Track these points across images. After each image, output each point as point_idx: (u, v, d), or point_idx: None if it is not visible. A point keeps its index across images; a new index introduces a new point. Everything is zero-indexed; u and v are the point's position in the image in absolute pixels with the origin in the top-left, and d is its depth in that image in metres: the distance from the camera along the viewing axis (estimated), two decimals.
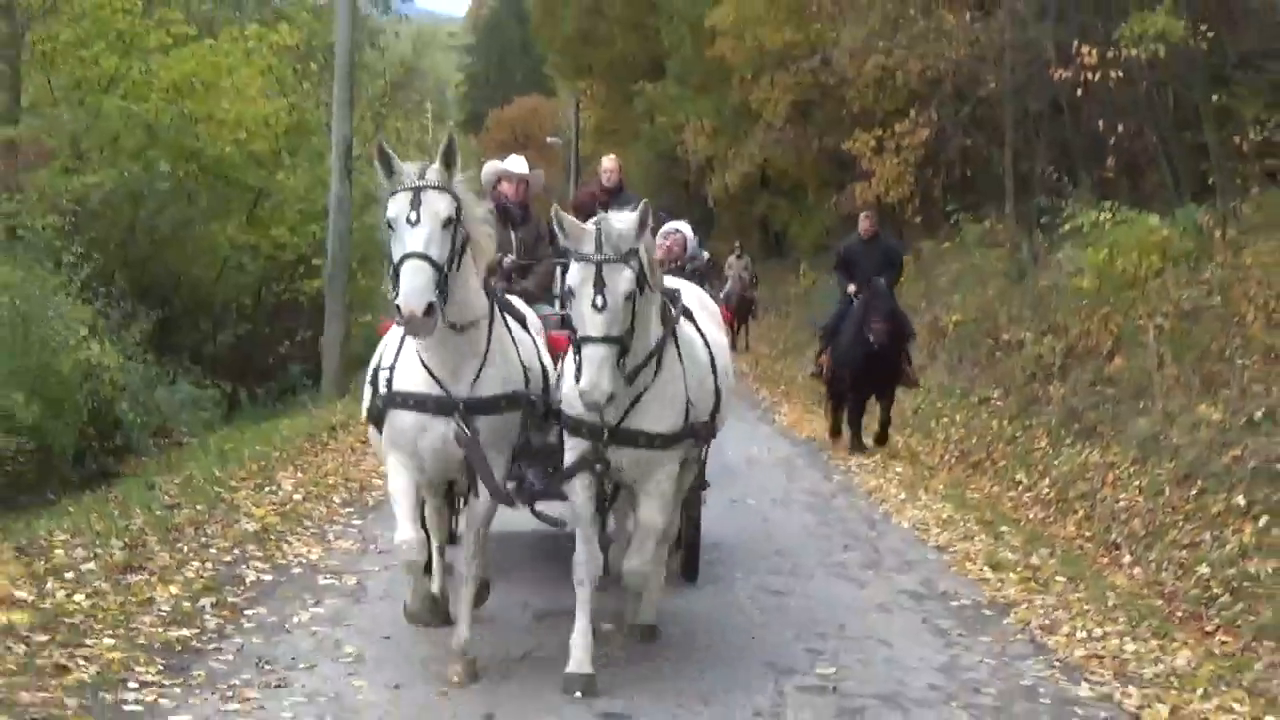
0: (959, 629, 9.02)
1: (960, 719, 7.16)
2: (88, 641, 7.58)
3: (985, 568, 10.80)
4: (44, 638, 7.58)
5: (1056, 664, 8.23)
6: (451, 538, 9.46)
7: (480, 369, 7.31)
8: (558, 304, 9.69)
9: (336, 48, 20.64)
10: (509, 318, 7.86)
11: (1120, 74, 15.87)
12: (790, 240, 38.13)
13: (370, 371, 7.80)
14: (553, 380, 7.93)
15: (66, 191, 17.93)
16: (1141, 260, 15.57)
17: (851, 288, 17.17)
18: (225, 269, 22.55)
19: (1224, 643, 8.76)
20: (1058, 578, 10.43)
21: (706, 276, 11.87)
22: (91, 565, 9.28)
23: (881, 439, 17.51)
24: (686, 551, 9.74)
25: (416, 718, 6.89)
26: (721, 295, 19.96)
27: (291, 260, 24.18)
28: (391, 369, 7.44)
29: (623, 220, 7.09)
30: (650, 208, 7.18)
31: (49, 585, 8.67)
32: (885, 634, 8.83)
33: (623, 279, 6.89)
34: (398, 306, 6.73)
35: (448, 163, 7.08)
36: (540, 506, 8.09)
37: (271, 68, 22.11)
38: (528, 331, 8.11)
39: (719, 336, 8.46)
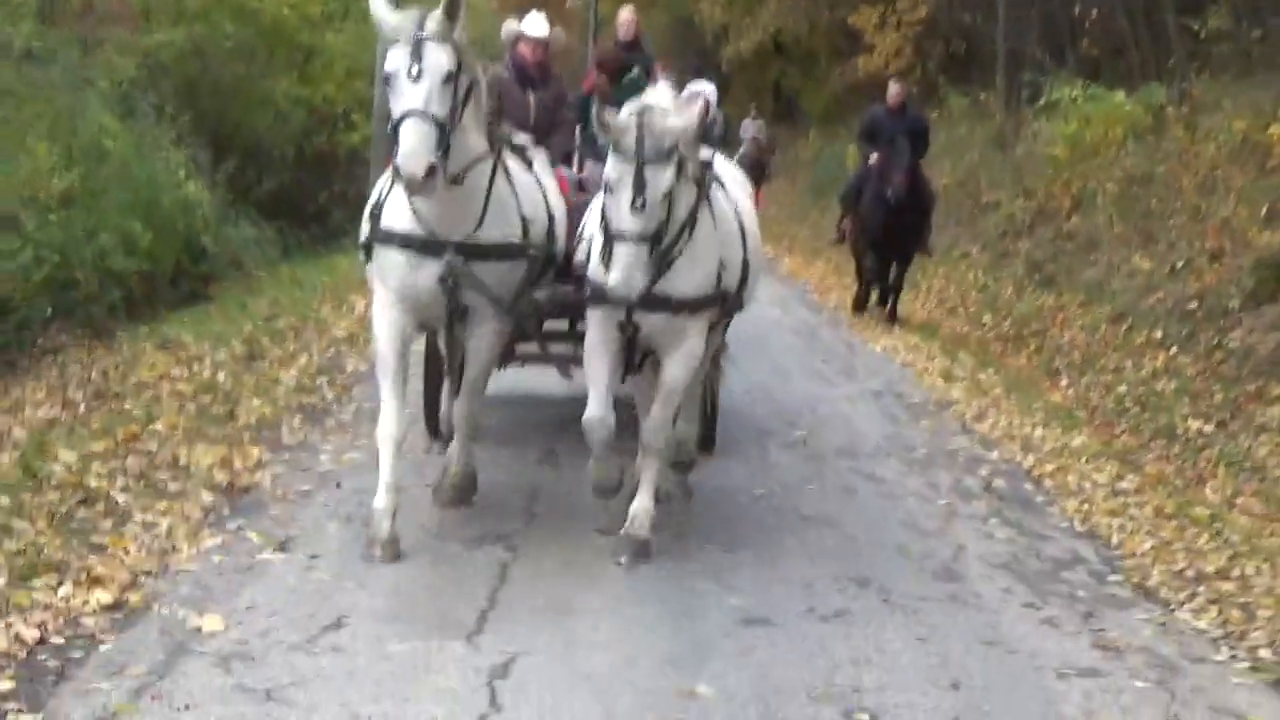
0: (906, 415, 11.67)
1: (895, 464, 9.80)
2: (240, 403, 10.20)
3: (939, 379, 13.35)
4: (207, 398, 10.22)
5: (978, 440, 10.83)
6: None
7: (481, 219, 7.29)
8: (575, 168, 9.80)
9: None
10: (512, 164, 7.78)
11: None
12: (802, 106, 39.79)
13: (370, 204, 7.72)
14: (559, 226, 8.01)
15: (141, 49, 20.08)
16: (1106, 133, 17.99)
17: (874, 156, 17.00)
18: (275, 121, 24.74)
19: (1125, 442, 11.19)
20: (997, 390, 12.95)
21: (723, 140, 12.26)
22: (221, 356, 11.87)
23: (892, 312, 17.42)
24: (704, 424, 9.51)
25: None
26: (735, 159, 21.45)
27: (333, 114, 26.37)
28: (380, 204, 7.44)
29: (668, 117, 6.98)
30: (702, 114, 7.14)
31: (194, 368, 11.30)
32: (847, 415, 11.47)
33: (663, 178, 6.82)
34: (396, 166, 6.66)
35: (450, 13, 6.84)
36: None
37: None
38: (534, 176, 8.06)
39: (749, 209, 8.38)
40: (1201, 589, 7.35)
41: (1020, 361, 14.90)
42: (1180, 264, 13.82)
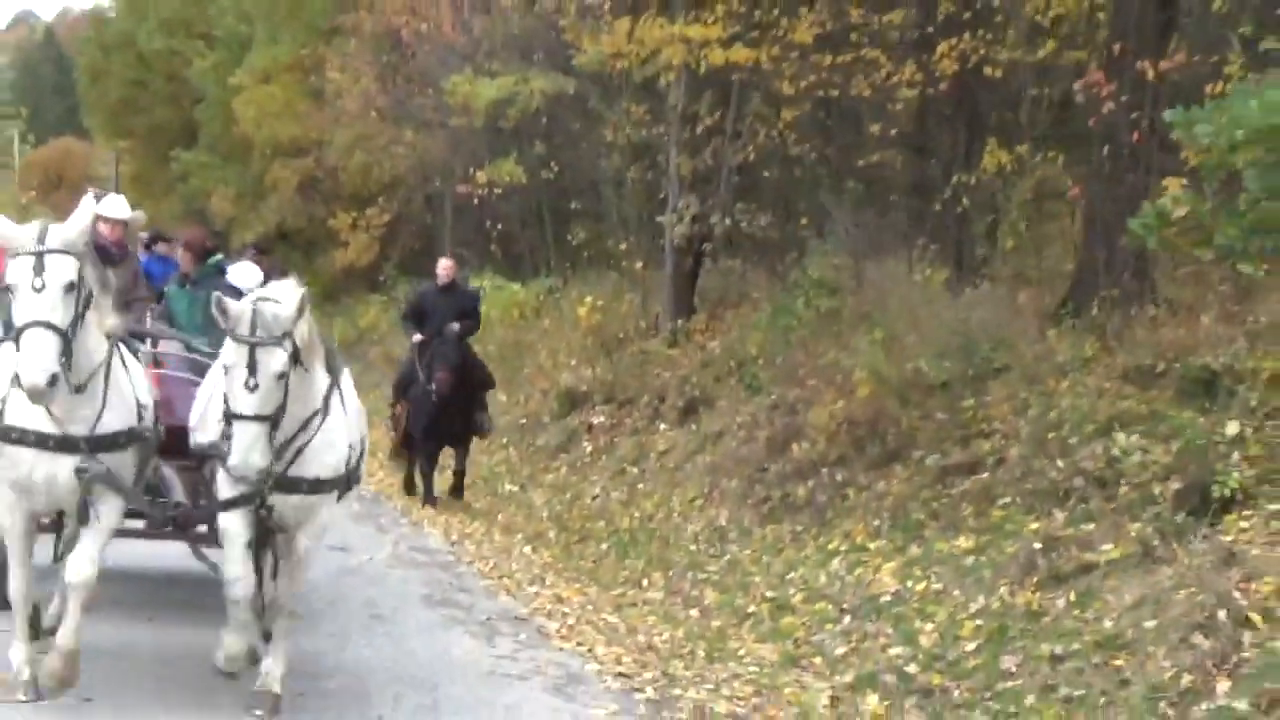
0: None
1: None
2: None
3: None
4: None
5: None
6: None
7: (100, 413, 7.68)
8: (150, 343, 10.21)
9: None
10: (124, 352, 8.18)
11: (500, 190, 26.69)
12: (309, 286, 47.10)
13: None
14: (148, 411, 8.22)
15: None
16: (513, 312, 26.62)
17: (418, 336, 17.54)
18: None
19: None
20: None
21: None
22: None
23: (457, 491, 18.16)
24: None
25: None
26: None
27: None
28: (4, 400, 7.62)
29: (279, 305, 7.54)
30: (308, 295, 7.74)
31: None
32: None
33: (275, 360, 7.39)
34: (16, 375, 7.08)
35: (76, 225, 7.37)
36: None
37: None
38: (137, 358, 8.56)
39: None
40: None
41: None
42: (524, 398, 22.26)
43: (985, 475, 12.05)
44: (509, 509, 18.37)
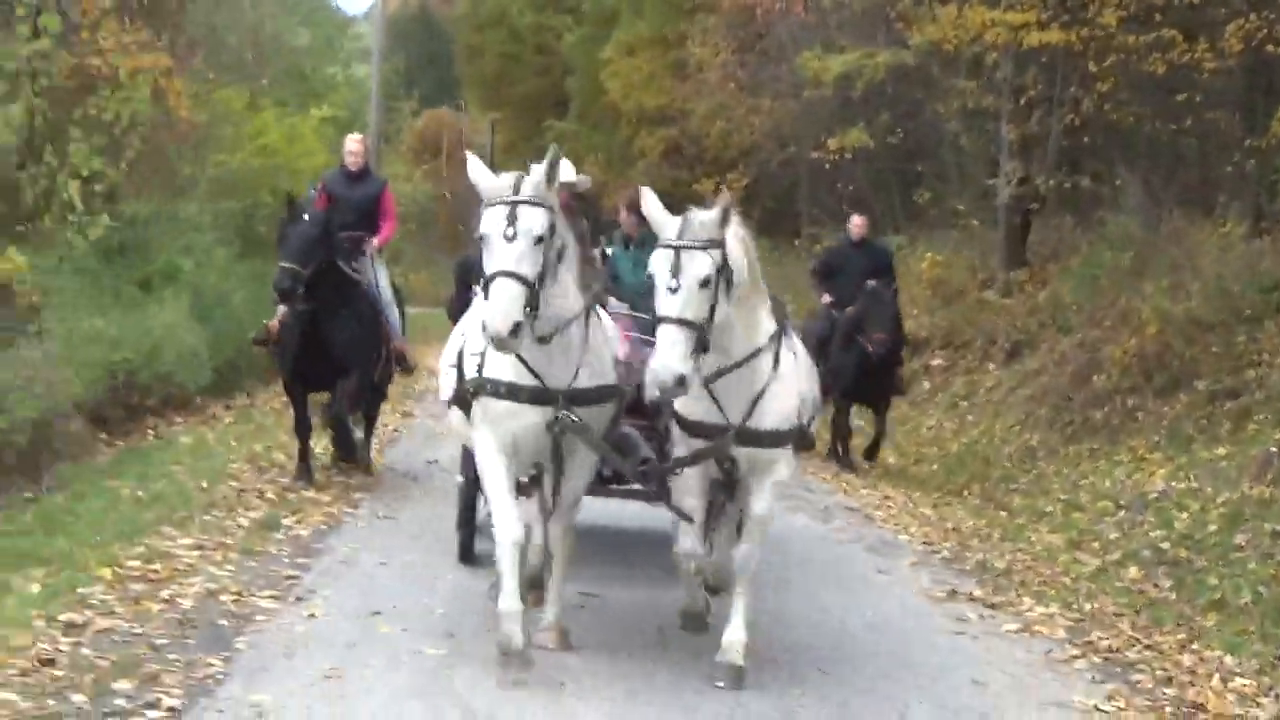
0: None
1: None
2: None
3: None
4: None
5: None
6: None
7: (578, 368, 7.93)
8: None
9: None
10: (600, 310, 8.48)
11: (849, 155, 29.66)
12: None
13: (452, 353, 8.49)
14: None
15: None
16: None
17: (827, 298, 17.57)
18: None
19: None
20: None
21: None
22: None
23: (872, 452, 17.85)
24: None
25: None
26: None
27: None
28: (483, 354, 7.89)
29: (706, 212, 7.61)
30: (731, 205, 7.66)
31: None
32: None
33: (699, 264, 7.38)
34: (484, 323, 7.29)
35: (550, 176, 7.51)
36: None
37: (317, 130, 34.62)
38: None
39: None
40: None
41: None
42: None
43: (1246, 398, 14.75)
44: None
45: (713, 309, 7.46)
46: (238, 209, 27.17)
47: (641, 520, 11.78)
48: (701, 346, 7.42)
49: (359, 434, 14.32)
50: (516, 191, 7.45)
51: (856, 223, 17.97)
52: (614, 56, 41.68)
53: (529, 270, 7.32)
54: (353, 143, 14.56)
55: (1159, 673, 9.35)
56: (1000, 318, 22.64)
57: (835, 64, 27.32)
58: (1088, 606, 11.07)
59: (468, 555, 10.71)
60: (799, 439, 8.39)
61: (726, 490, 8.45)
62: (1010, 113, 22.97)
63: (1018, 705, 8.46)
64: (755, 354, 7.99)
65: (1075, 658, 9.62)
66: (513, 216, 7.37)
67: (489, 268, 7.35)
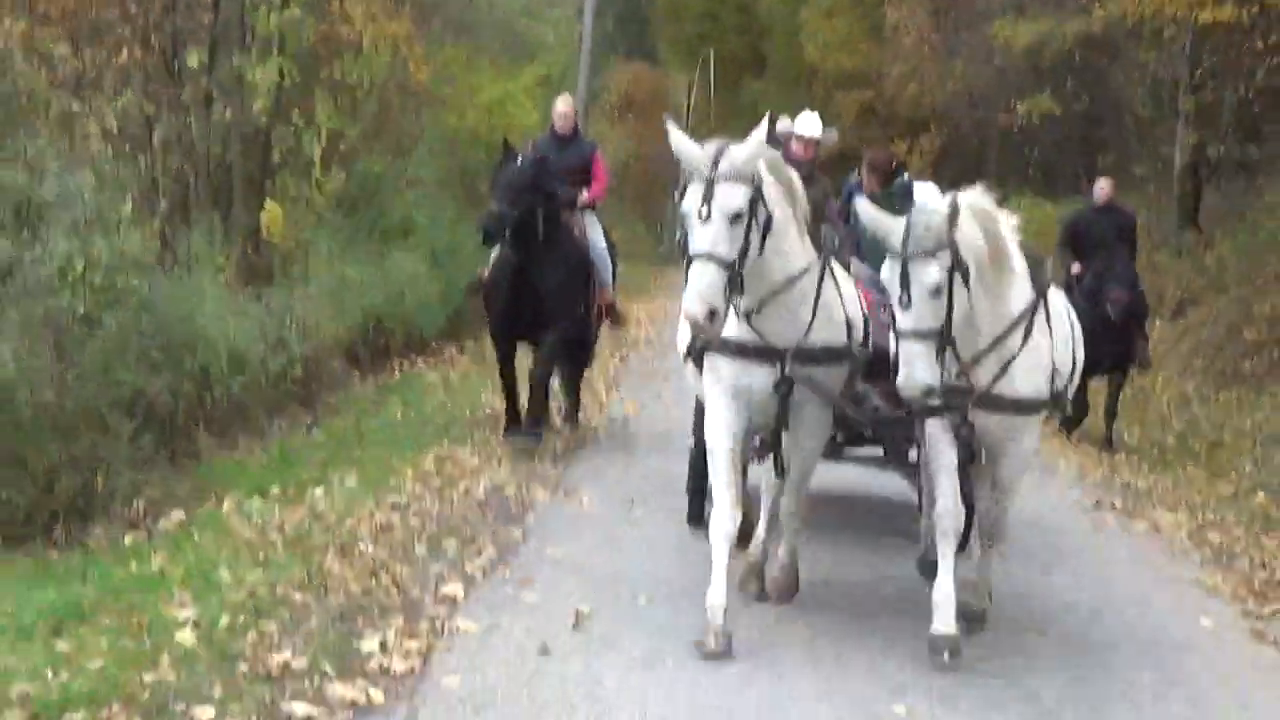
0: None
1: None
2: None
3: None
4: None
5: None
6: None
7: (809, 325, 7.85)
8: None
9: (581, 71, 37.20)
10: (837, 268, 8.35)
11: (1037, 120, 31.21)
12: None
13: None
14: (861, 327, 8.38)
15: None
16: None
17: (1076, 267, 16.56)
18: None
19: None
20: None
21: None
22: None
23: (1108, 437, 16.79)
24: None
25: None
26: None
27: None
28: None
29: (931, 215, 7.28)
30: (958, 205, 7.26)
31: None
32: None
33: (927, 274, 7.11)
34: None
35: (750, 148, 7.33)
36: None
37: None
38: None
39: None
40: None
41: None
42: None
43: None
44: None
45: (950, 312, 7.27)
46: (457, 167, 28.58)
47: (865, 488, 12.27)
48: (942, 349, 7.24)
49: (558, 404, 14.91)
50: (715, 165, 7.29)
51: (1102, 186, 17.19)
52: (812, 18, 43.28)
53: (725, 250, 7.23)
54: (562, 104, 14.22)
55: (1257, 561, 11.30)
56: (1169, 277, 24.21)
57: (1025, 31, 28.87)
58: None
59: (696, 519, 10.57)
60: (1051, 408, 8.36)
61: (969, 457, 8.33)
62: (1187, 83, 24.51)
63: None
64: (1011, 330, 7.82)
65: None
66: (709, 194, 7.24)
67: (690, 248, 7.28)
